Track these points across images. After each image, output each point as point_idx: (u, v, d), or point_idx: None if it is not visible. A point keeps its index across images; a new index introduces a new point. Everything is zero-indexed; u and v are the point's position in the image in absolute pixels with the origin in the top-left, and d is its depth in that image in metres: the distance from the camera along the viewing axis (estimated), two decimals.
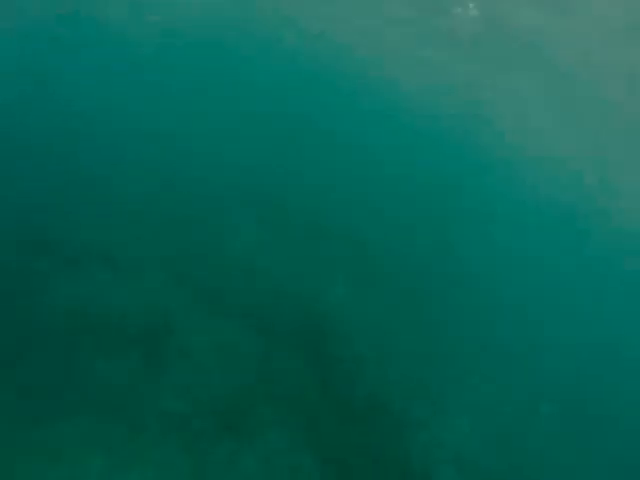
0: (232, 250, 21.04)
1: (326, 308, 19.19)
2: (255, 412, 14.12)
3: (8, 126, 20.76)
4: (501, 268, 24.77)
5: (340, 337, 18.14)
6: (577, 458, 16.84)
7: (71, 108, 22.65)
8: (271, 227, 23.18)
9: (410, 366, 17.82)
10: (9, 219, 16.95)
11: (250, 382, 14.98)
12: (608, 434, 18.02)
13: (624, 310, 23.93)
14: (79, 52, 24.59)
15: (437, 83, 30.25)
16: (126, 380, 13.15)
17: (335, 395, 15.57)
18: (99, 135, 22.45)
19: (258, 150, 26.30)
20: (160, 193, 21.13)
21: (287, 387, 15.56)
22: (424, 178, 28.08)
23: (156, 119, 24.50)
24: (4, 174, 18.54)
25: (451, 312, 21.36)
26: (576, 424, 17.86)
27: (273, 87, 27.96)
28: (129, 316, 15.09)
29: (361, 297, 20.64)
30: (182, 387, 13.78)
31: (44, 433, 11.15)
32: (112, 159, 21.59)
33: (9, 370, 12.07)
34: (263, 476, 12.65)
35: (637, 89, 29.83)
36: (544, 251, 26.32)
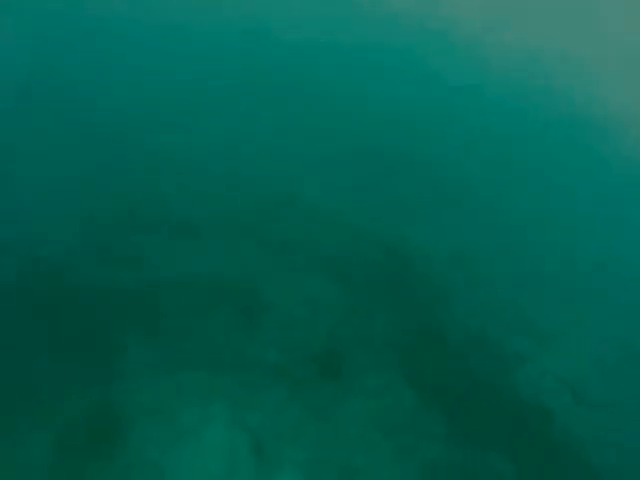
0: (308, 202, 21.28)
1: (407, 248, 19.14)
2: (350, 356, 14.55)
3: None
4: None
5: (424, 276, 18.09)
6: None
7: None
8: (342, 174, 23.10)
9: (503, 295, 17.52)
10: (105, 197, 17.97)
11: (340, 330, 15.39)
12: None
13: None
14: None
15: None
16: (227, 337, 13.92)
17: (427, 333, 15.69)
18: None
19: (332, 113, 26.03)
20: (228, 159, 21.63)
21: (378, 330, 15.83)
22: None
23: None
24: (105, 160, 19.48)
25: (531, 238, 20.73)
26: None
27: None
28: (222, 279, 15.78)
29: (441, 234, 20.38)
30: (279, 340, 14.41)
31: (172, 381, 12.13)
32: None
33: (140, 331, 13.12)
34: (367, 415, 13.13)
35: None
36: None
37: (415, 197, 22.16)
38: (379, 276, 17.84)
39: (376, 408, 13.44)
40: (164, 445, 10.80)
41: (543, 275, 19.23)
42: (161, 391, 11.92)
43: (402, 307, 16.70)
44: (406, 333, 15.88)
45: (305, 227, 19.51)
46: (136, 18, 23.64)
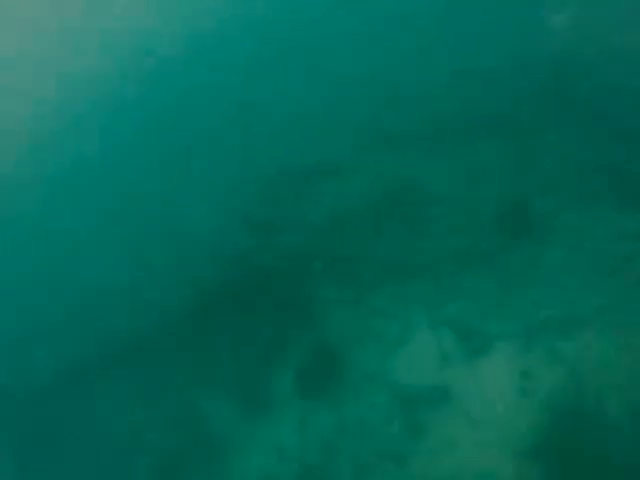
0: None
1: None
2: (530, 210, 12.72)
3: None
4: None
5: None
6: None
7: None
8: None
9: None
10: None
11: (515, 185, 13.39)
12: None
13: None
14: None
15: None
16: (397, 248, 14.06)
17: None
18: None
19: None
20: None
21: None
22: None
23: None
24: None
25: None
26: None
27: None
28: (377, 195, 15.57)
29: None
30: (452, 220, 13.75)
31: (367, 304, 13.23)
32: None
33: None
34: (570, 262, 11.40)
35: None
36: None
37: None
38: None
39: (581, 253, 11.54)
40: (380, 358, 12.04)
41: None
42: (361, 318, 13.15)
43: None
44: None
45: None
46: None
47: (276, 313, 14.22)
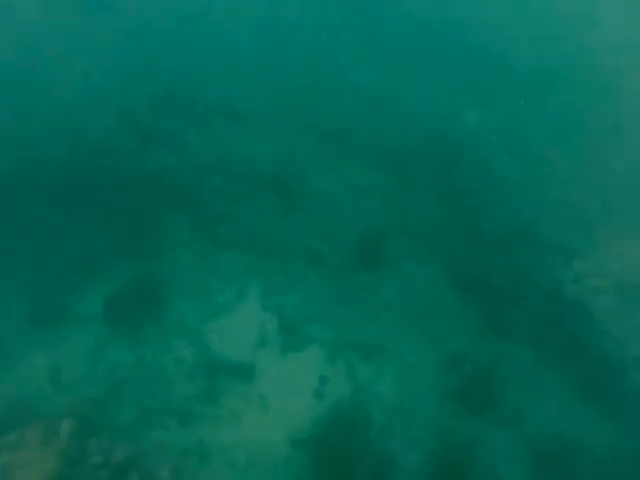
0: (354, 87, 19.62)
1: (457, 136, 17.31)
2: (389, 246, 14.24)
3: None
4: None
5: (475, 165, 16.49)
6: None
7: None
8: (389, 57, 20.71)
9: (558, 190, 15.64)
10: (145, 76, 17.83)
11: (383, 218, 14.88)
12: None
13: None
14: None
15: None
16: (267, 222, 14.12)
17: (474, 225, 14.76)
18: None
19: None
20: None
21: (420, 222, 15.12)
22: None
23: None
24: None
25: None
26: None
27: None
28: (261, 164, 15.57)
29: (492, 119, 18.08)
30: (318, 226, 14.36)
31: (212, 261, 12.91)
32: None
33: (181, 212, 13.80)
34: (401, 304, 13.21)
35: None
36: None
37: (465, 81, 19.35)
38: (426, 164, 16.46)
39: (411, 297, 13.43)
40: (201, 315, 11.87)
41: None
42: (200, 270, 12.78)
43: (449, 196, 15.58)
44: (451, 224, 15.01)
45: (352, 113, 18.07)
46: None
47: (121, 226, 12.76)
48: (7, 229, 12.80)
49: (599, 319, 12.58)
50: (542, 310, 13.07)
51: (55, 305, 11.50)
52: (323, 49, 20.48)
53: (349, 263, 13.76)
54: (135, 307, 11.60)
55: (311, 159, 16.64)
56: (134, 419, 9.31)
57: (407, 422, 10.72)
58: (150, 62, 18.15)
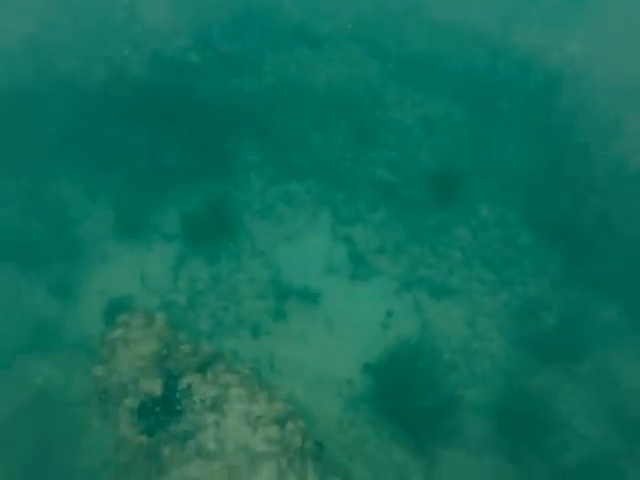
0: (436, 15, 17.89)
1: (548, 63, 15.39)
2: (467, 184, 13.41)
3: None
4: None
5: (571, 103, 14.71)
6: None
7: None
8: None
9: None
10: None
11: (462, 154, 13.95)
12: None
13: None
14: None
15: None
16: (340, 150, 13.72)
17: (562, 168, 13.41)
18: None
19: None
20: None
21: (502, 161, 14.02)
22: None
23: None
24: None
25: None
26: None
27: None
28: (336, 90, 14.92)
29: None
30: (392, 158, 13.77)
31: (284, 187, 12.93)
32: None
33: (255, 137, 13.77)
34: (474, 244, 12.63)
35: None
36: None
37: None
38: (513, 98, 14.92)
39: (485, 239, 12.78)
40: (272, 240, 12.11)
41: None
42: (272, 195, 12.86)
43: (537, 135, 14.15)
44: (537, 166, 13.78)
45: (433, 42, 16.54)
46: None
47: (197, 147, 13.02)
48: (93, 144, 13.51)
49: None
50: (636, 265, 11.92)
51: (140, 219, 12.20)
52: None
53: (422, 198, 13.19)
54: (211, 227, 12.02)
55: (387, 87, 15.67)
56: (211, 327, 9.97)
57: (473, 361, 10.58)
58: None
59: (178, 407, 5.56)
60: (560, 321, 11.09)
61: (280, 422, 5.68)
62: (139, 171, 13.10)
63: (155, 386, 5.70)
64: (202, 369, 6.04)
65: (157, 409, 5.55)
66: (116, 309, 10.23)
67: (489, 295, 11.71)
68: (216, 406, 5.69)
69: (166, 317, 6.76)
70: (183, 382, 5.78)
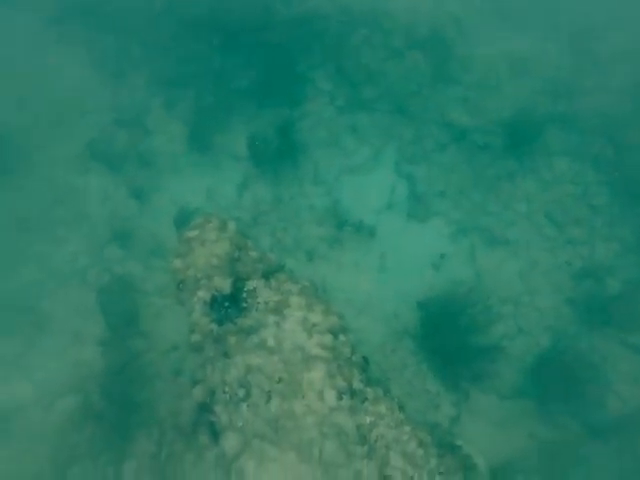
0: None
1: None
2: (545, 134, 12.56)
3: None
4: None
5: None
6: None
7: None
8: None
9: None
10: None
11: (544, 101, 12.92)
12: None
13: None
14: None
15: None
16: (414, 85, 13.13)
17: None
18: None
19: None
20: None
21: (590, 111, 12.84)
22: None
23: None
24: None
25: None
26: None
27: None
28: (416, 20, 13.97)
29: None
30: (468, 97, 13.02)
31: (352, 118, 12.76)
32: None
33: (327, 66, 13.49)
34: (542, 199, 12.07)
35: None
36: None
37: None
38: (613, 44, 13.30)
39: (556, 195, 12.17)
40: (336, 170, 12.24)
41: None
42: (339, 125, 12.76)
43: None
44: (628, 123, 12.54)
45: None
46: None
47: (268, 70, 12.98)
48: (172, 61, 13.83)
49: None
50: None
51: (210, 138, 12.66)
52: None
53: (494, 144, 12.58)
54: (277, 151, 12.29)
55: (471, 21, 14.43)
56: (270, 245, 10.58)
57: (521, 314, 10.58)
58: None
59: (244, 305, 6.21)
60: (622, 288, 10.69)
61: (333, 333, 6.20)
62: (211, 91, 13.37)
63: (225, 284, 6.35)
64: (266, 276, 6.60)
65: (226, 304, 6.24)
66: (185, 218, 11.10)
67: (548, 251, 11.39)
68: (277, 309, 6.27)
69: (237, 225, 7.29)
70: (250, 284, 6.38)
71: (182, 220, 11.02)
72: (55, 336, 9.18)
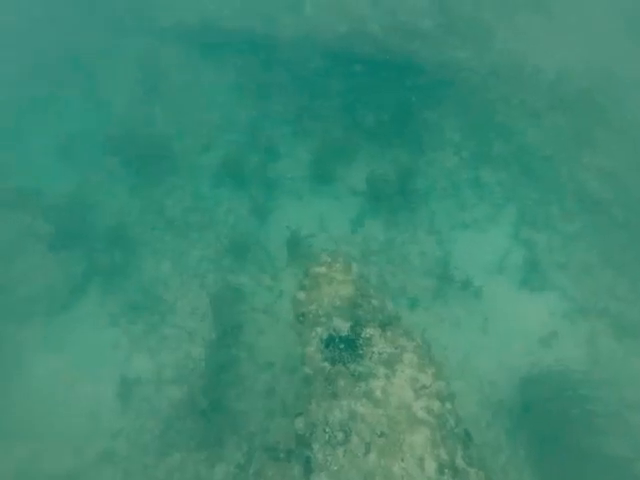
0: None
1: None
2: None
3: None
4: None
5: None
6: None
7: None
8: None
9: None
10: None
11: None
12: None
13: None
14: None
15: None
16: (552, 145, 12.58)
17: None
18: None
19: None
20: None
21: None
22: None
23: None
24: None
25: None
26: None
27: None
28: (568, 73, 13.42)
29: None
30: (610, 170, 12.14)
31: (475, 172, 12.56)
32: None
33: (455, 118, 13.55)
34: None
35: None
36: None
37: None
38: None
39: None
40: (452, 222, 12.09)
41: None
42: (461, 177, 12.65)
43: None
44: None
45: None
46: None
47: (399, 112, 13.40)
48: (307, 92, 14.82)
49: None
50: None
51: (332, 170, 13.25)
52: None
53: (635, 222, 11.55)
54: (395, 193, 12.48)
55: (628, 80, 13.49)
56: (376, 285, 10.70)
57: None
58: None
59: (360, 351, 6.36)
60: None
61: (440, 399, 6.08)
62: (341, 125, 14.05)
63: (344, 326, 6.57)
64: (383, 326, 6.70)
65: (342, 346, 6.44)
66: (297, 242, 11.69)
67: None
68: (389, 363, 6.32)
69: (359, 266, 7.53)
70: (367, 331, 6.53)
71: (294, 244, 11.64)
72: (173, 328, 10.18)
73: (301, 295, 6.92)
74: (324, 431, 6.15)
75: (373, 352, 6.32)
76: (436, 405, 6.02)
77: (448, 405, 6.23)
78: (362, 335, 6.48)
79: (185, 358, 9.75)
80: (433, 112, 13.66)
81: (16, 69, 16.71)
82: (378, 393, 6.12)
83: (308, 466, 6.12)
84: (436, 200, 12.36)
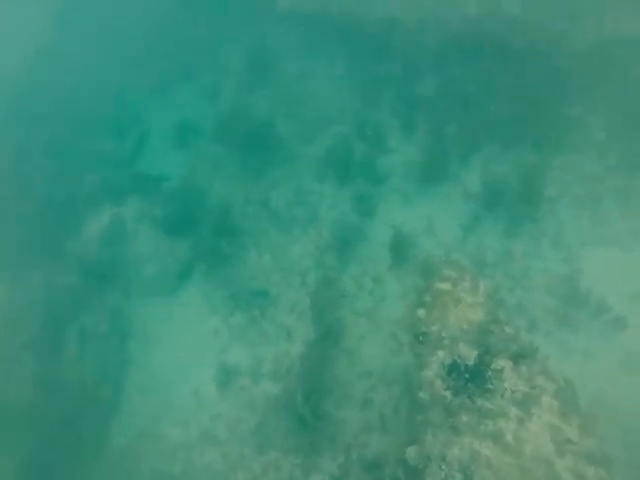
0: None
1: None
2: None
3: None
4: None
5: None
6: None
7: None
8: None
9: None
10: None
11: None
12: None
13: None
14: None
15: None
16: None
17: None
18: None
19: None
20: None
21: None
22: None
23: None
24: None
25: None
26: None
27: None
28: None
29: None
30: None
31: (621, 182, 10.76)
32: None
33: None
34: None
35: None
36: None
37: None
38: None
39: None
40: (583, 237, 10.47)
41: None
42: (601, 187, 10.87)
43: None
44: None
45: None
46: None
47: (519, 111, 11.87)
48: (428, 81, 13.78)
49: None
50: None
51: (444, 169, 12.20)
52: None
53: None
54: (517, 198, 11.12)
55: None
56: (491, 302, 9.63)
57: None
58: None
59: (490, 385, 5.57)
60: None
61: (593, 462, 5.06)
62: (456, 118, 12.89)
63: (471, 354, 5.81)
64: (516, 358, 5.81)
65: (467, 375, 5.70)
66: (402, 245, 10.95)
67: None
68: (524, 404, 5.44)
69: (489, 284, 6.64)
70: (498, 363, 5.70)
71: (398, 245, 10.90)
72: (273, 324, 10.15)
73: (421, 312, 6.26)
74: (440, 468, 5.49)
75: (505, 388, 5.48)
76: (590, 472, 5.01)
77: (602, 472, 5.17)
78: (491, 367, 5.66)
79: (283, 355, 9.64)
80: (576, 105, 11.91)
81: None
82: (509, 437, 5.29)
83: None
84: (567, 210, 10.78)
